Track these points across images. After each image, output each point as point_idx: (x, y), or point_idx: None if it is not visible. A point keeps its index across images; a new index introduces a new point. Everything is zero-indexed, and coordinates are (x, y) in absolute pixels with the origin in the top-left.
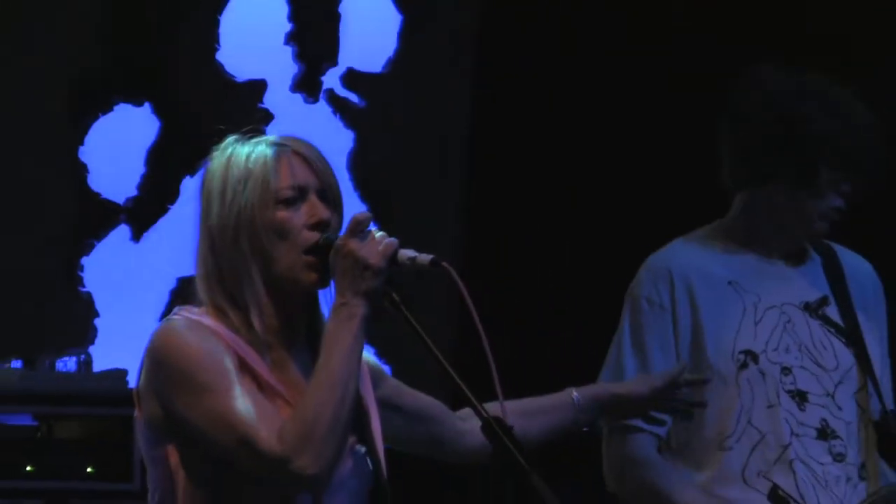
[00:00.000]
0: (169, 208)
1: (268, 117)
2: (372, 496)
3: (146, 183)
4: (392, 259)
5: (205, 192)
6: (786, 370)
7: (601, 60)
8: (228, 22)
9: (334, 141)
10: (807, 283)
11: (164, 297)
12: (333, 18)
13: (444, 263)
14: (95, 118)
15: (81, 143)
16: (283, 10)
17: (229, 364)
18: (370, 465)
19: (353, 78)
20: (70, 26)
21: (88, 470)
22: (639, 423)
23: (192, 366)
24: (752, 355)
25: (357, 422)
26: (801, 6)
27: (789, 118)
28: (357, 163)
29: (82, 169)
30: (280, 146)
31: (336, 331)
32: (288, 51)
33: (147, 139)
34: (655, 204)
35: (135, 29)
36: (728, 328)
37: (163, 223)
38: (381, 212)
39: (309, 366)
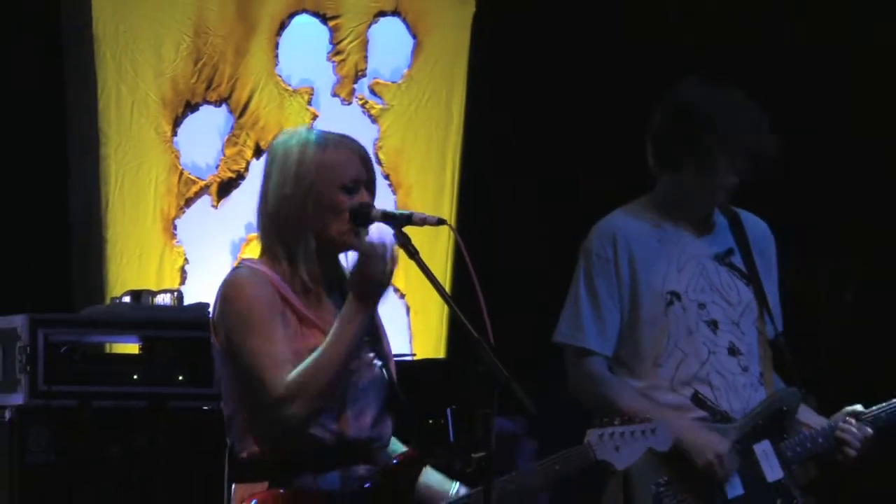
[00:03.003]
0: (240, 183)
1: (314, 115)
2: (387, 402)
3: (223, 163)
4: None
5: (280, 166)
6: (702, 305)
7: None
8: (285, 43)
9: (363, 133)
10: (716, 240)
11: (236, 249)
12: (363, 41)
13: (447, 223)
14: (185, 116)
15: (175, 133)
16: (326, 35)
17: (276, 309)
18: (385, 376)
19: (377, 86)
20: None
21: (180, 378)
22: (591, 346)
23: (248, 309)
24: (676, 295)
25: (373, 339)
26: None
27: (697, 123)
28: (379, 147)
29: (176, 153)
30: (349, 146)
31: (352, 316)
32: (329, 65)
33: (224, 131)
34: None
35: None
36: (658, 275)
37: (235, 194)
38: (396, 181)
39: (337, 301)
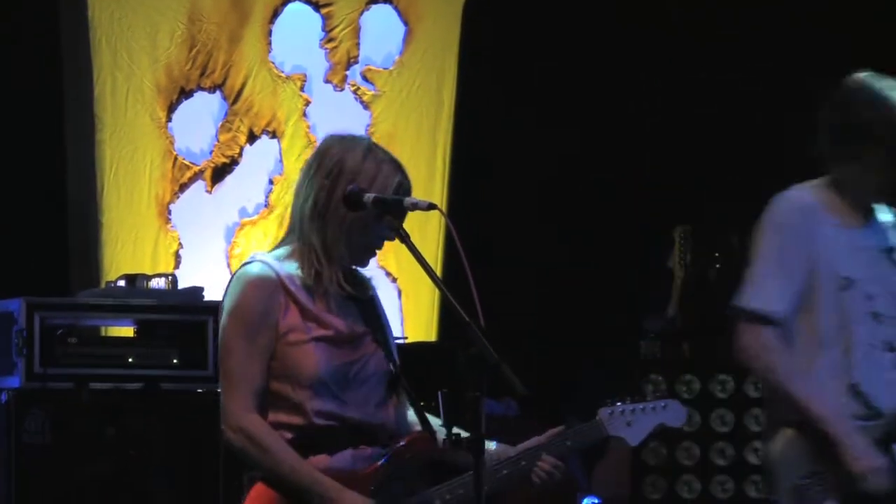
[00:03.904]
0: (234, 168)
1: (307, 101)
2: (389, 386)
3: (217, 149)
4: None
5: (334, 171)
6: (870, 297)
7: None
8: (278, 31)
9: (355, 118)
10: (881, 234)
11: (230, 234)
12: (355, 28)
13: (438, 207)
14: (180, 102)
15: (169, 119)
16: (318, 22)
17: (267, 318)
18: (386, 361)
19: (369, 72)
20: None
21: (174, 361)
22: (774, 314)
23: (241, 315)
24: (850, 281)
25: (375, 328)
26: None
27: (877, 117)
28: (371, 133)
29: (170, 139)
30: (397, 167)
31: (316, 489)
32: (322, 52)
33: (217, 117)
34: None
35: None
36: (835, 258)
37: (229, 179)
38: None
39: (346, 304)
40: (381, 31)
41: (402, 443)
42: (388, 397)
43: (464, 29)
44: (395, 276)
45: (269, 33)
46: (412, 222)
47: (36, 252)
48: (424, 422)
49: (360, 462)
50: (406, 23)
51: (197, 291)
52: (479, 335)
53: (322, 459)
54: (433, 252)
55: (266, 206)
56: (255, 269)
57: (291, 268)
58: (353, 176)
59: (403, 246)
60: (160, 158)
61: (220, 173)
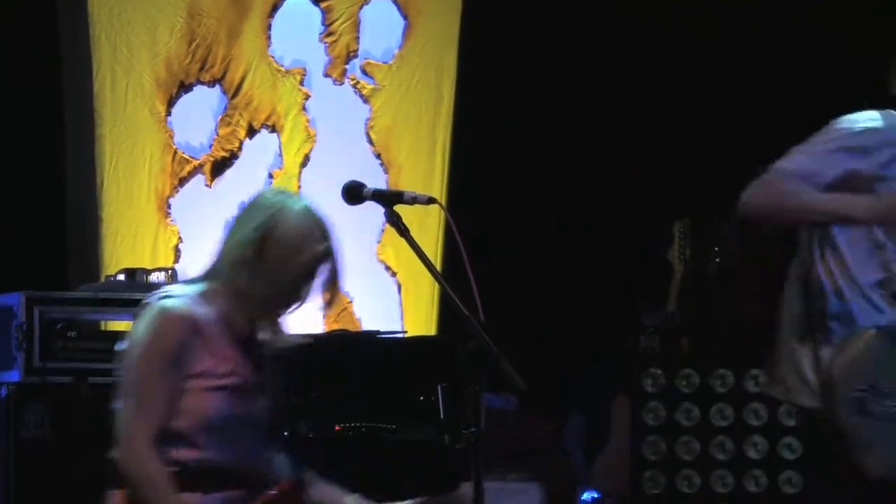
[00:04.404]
0: (233, 162)
1: (306, 95)
2: (268, 435)
3: (216, 143)
4: None
5: (265, 227)
6: None
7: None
8: (278, 25)
9: (355, 112)
10: None
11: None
12: (355, 22)
13: (438, 201)
14: (179, 97)
15: (169, 114)
16: (318, 16)
17: (176, 357)
18: (268, 411)
19: (369, 66)
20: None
21: None
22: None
23: (159, 349)
24: None
25: (265, 375)
26: None
27: None
28: (371, 126)
29: (170, 133)
30: (329, 253)
31: None
32: (321, 46)
33: (217, 111)
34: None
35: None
36: None
37: (228, 173)
38: (387, 160)
39: (248, 348)
40: (381, 26)
41: (273, 490)
42: (266, 445)
43: (463, 23)
44: (395, 271)
45: (269, 27)
46: (412, 217)
47: (36, 247)
48: (297, 470)
49: None
50: (405, 17)
51: None
52: (479, 329)
53: (195, 498)
54: (433, 246)
55: None
56: (176, 305)
57: (206, 309)
58: (282, 236)
59: (403, 240)
60: (160, 153)
61: (219, 167)
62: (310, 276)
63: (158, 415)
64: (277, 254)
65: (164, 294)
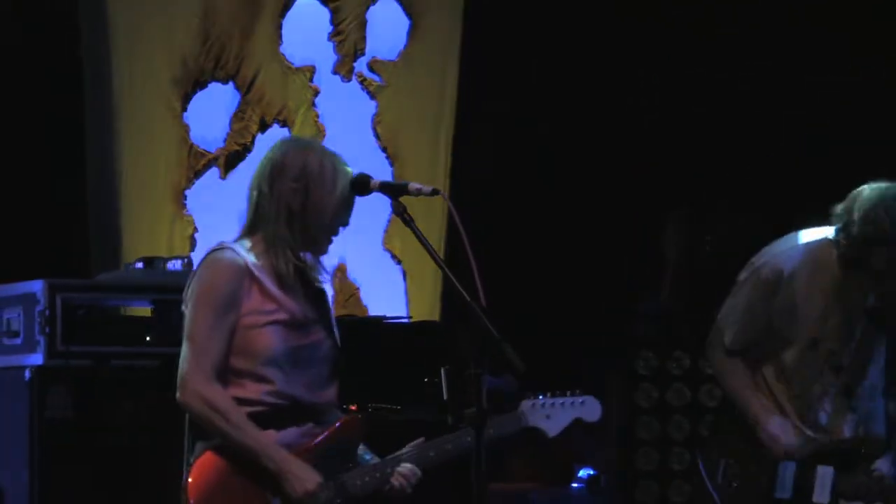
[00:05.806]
0: (246, 156)
1: (316, 91)
2: (332, 370)
3: (230, 137)
4: None
5: (303, 175)
6: None
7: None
8: (288, 24)
9: (362, 108)
10: None
11: (242, 218)
12: (362, 22)
13: (442, 192)
14: (195, 93)
15: (184, 110)
16: (327, 16)
17: (232, 300)
18: (332, 347)
19: (376, 64)
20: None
21: None
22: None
23: (207, 294)
24: None
25: (322, 315)
26: None
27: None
28: (377, 122)
29: (185, 128)
30: (344, 165)
31: (262, 451)
32: (330, 45)
33: (230, 107)
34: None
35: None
36: None
37: (241, 166)
38: (393, 153)
39: (304, 290)
40: (387, 25)
41: (339, 422)
42: (330, 380)
43: (466, 23)
44: (400, 259)
45: (280, 27)
46: (417, 208)
47: (58, 237)
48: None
49: (303, 438)
50: (410, 17)
51: None
52: (481, 314)
53: (271, 435)
54: (436, 236)
55: None
56: (225, 254)
57: (255, 256)
58: (319, 177)
59: (409, 230)
60: (176, 147)
61: (233, 160)
62: (348, 202)
63: (215, 355)
64: (319, 194)
65: (216, 247)
